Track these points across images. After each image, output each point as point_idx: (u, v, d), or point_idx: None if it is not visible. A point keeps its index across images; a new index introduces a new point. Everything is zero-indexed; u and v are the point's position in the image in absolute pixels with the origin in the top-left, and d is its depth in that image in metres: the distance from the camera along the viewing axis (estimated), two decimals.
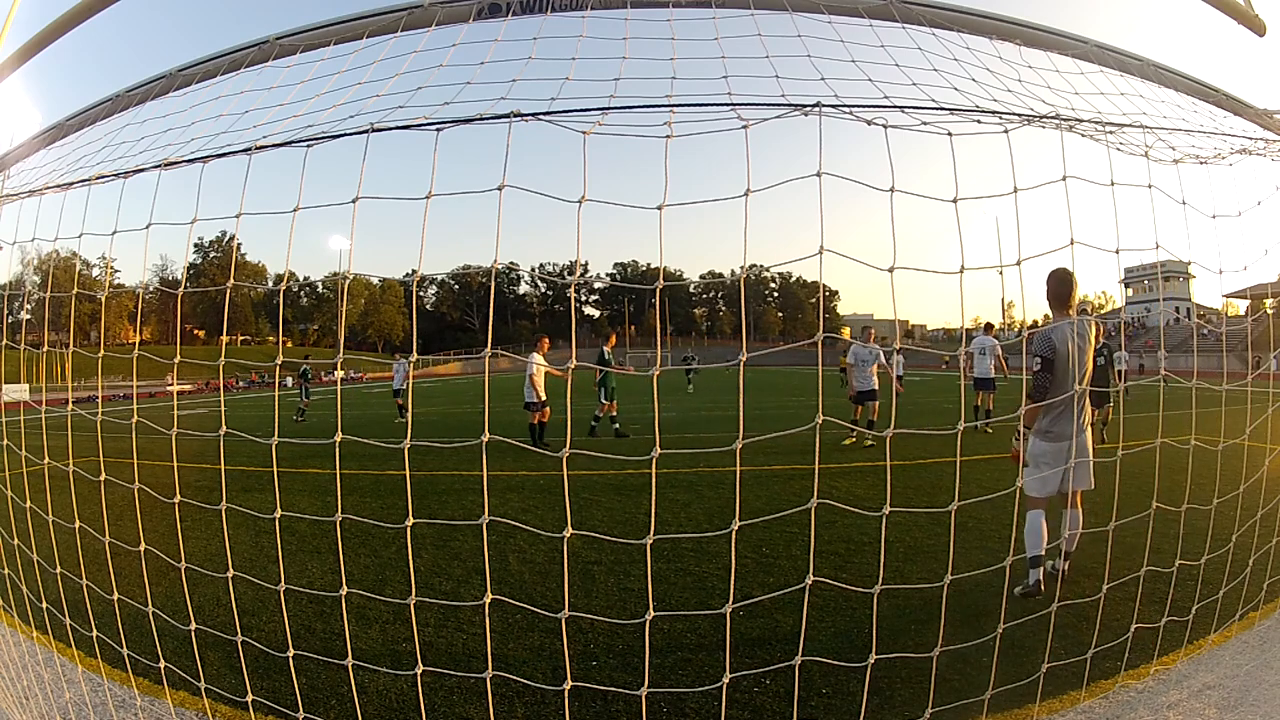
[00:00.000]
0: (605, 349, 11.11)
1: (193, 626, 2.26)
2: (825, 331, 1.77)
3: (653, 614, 2.40)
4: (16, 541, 2.68)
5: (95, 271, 48.73)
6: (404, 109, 1.85)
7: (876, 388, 9.90)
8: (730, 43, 1.90)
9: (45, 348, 3.01)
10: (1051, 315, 3.90)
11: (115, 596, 2.31)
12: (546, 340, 9.73)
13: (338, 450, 1.97)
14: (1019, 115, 2.09)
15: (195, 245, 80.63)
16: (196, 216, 2.01)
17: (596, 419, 11.09)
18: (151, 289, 33.62)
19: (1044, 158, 2.08)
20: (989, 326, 10.94)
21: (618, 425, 10.93)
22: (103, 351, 2.28)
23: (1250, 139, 2.55)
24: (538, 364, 9.26)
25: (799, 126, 1.83)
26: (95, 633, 2.51)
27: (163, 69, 2.10)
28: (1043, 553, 3.67)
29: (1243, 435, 2.73)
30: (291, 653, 2.05)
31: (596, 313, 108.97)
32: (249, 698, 2.23)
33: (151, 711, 2.59)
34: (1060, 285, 3.74)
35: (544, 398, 9.61)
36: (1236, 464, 3.56)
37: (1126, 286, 67.03)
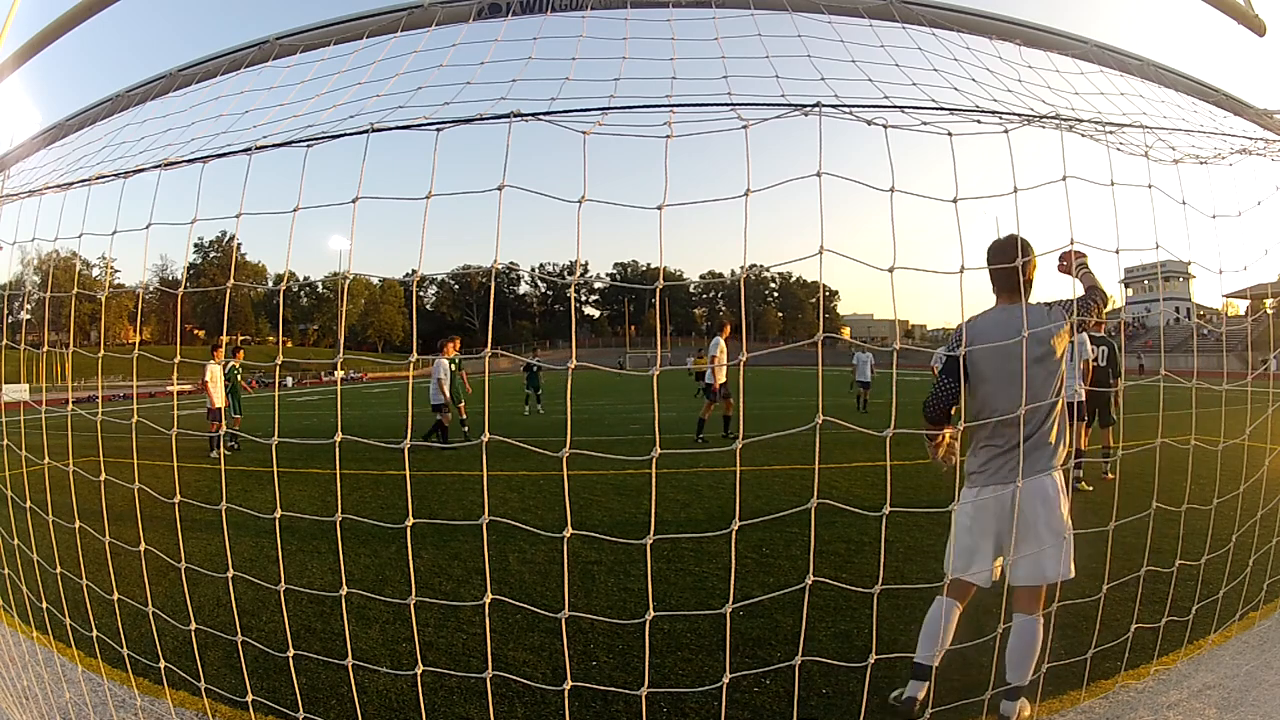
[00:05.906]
0: (444, 359, 11.41)
1: (193, 626, 2.26)
2: (825, 331, 1.77)
3: (653, 614, 2.39)
4: (16, 541, 2.67)
5: (95, 271, 48.73)
6: (404, 109, 1.85)
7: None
8: (730, 43, 1.90)
9: (45, 348, 3.01)
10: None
11: (115, 596, 2.31)
12: (451, 345, 10.31)
13: (338, 450, 1.97)
14: (1019, 115, 2.09)
15: (195, 245, 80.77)
16: (196, 216, 2.01)
17: (461, 420, 11.59)
18: (151, 289, 33.62)
19: (1044, 158, 2.08)
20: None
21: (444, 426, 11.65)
22: (103, 351, 2.28)
23: (1250, 139, 2.55)
24: (445, 368, 9.85)
25: (799, 126, 1.83)
26: (95, 633, 2.51)
27: (163, 69, 2.10)
28: (931, 659, 2.45)
29: (1243, 435, 2.73)
30: (291, 653, 2.05)
31: (596, 313, 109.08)
32: (249, 698, 2.23)
33: (151, 711, 2.59)
34: (997, 257, 2.48)
35: (448, 400, 9.99)
36: (1236, 464, 3.56)
37: (1126, 286, 67.11)
